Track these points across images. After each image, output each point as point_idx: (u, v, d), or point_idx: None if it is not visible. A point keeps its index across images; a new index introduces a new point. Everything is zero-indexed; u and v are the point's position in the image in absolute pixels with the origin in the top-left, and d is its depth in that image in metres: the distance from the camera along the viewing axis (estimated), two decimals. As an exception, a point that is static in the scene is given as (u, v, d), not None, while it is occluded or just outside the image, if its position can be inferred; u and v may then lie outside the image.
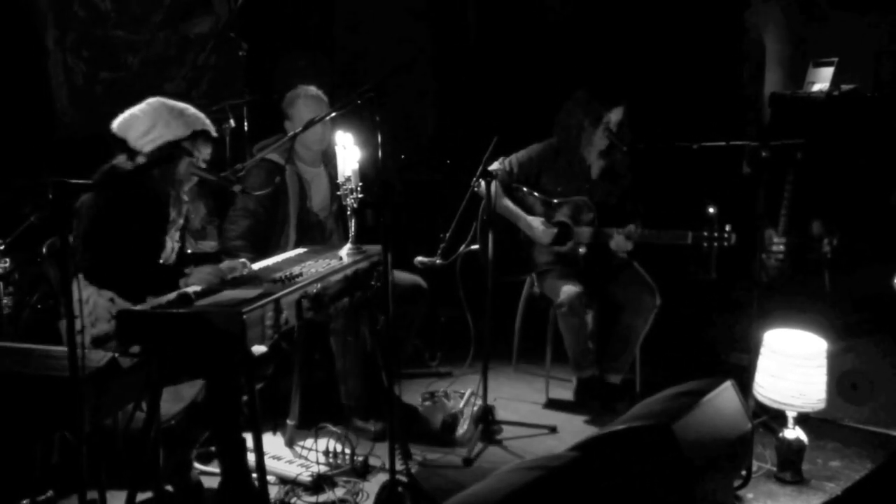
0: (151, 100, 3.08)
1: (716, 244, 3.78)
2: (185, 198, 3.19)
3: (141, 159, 3.01)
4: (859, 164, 4.84)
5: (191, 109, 3.11)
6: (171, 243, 3.18)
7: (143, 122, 3.01)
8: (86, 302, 2.89)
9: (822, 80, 5.18)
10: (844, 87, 5.08)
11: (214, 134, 3.17)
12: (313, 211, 3.90)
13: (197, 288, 2.82)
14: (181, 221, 3.21)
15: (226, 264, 3.19)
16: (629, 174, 4.27)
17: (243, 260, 3.23)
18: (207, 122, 3.13)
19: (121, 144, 3.04)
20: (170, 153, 2.96)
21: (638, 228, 4.05)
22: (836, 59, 5.14)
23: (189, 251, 3.43)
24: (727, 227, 3.77)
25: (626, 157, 4.19)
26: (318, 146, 3.86)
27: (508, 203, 4.19)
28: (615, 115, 4.06)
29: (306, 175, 3.89)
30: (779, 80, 5.83)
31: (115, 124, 3.05)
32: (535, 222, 4.13)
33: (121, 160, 3.03)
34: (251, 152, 3.79)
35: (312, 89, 3.90)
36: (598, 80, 4.25)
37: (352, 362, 3.77)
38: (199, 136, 3.09)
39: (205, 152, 3.13)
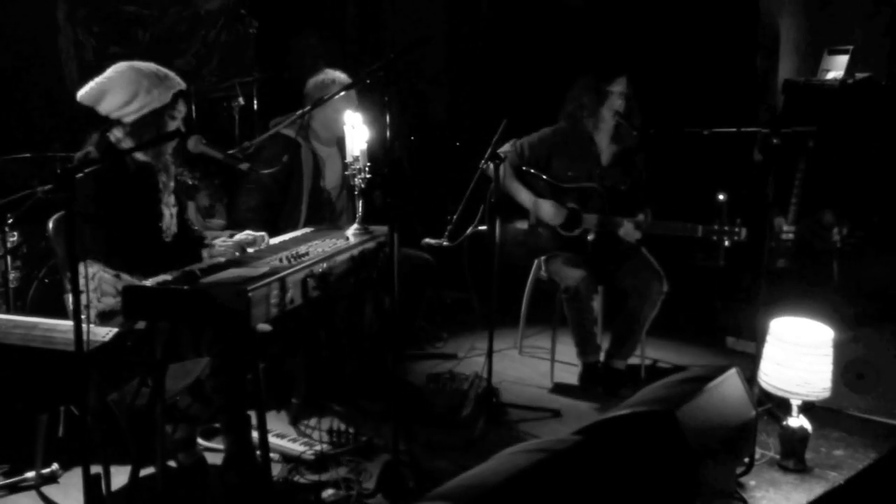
0: (122, 66, 2.98)
1: (725, 238, 3.76)
2: (171, 159, 3.13)
3: (118, 133, 2.97)
4: (872, 154, 4.80)
5: (163, 70, 3.03)
6: (169, 210, 3.13)
7: (120, 92, 2.93)
8: (91, 277, 2.90)
9: (836, 67, 5.13)
10: (859, 75, 5.03)
11: (184, 86, 3.09)
12: (326, 189, 3.91)
13: (204, 265, 2.83)
14: (172, 184, 3.15)
15: (245, 235, 3.20)
16: (642, 155, 4.24)
17: (263, 233, 3.25)
18: (179, 78, 3.07)
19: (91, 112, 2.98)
20: (174, 133, 2.92)
21: (648, 218, 4.03)
22: (851, 47, 5.09)
23: (195, 227, 3.43)
24: (738, 222, 3.75)
25: (636, 138, 4.17)
26: (343, 133, 3.81)
27: (518, 185, 4.18)
28: (618, 87, 4.04)
29: (321, 153, 3.90)
30: (793, 67, 5.78)
31: (81, 94, 2.97)
32: (546, 204, 4.12)
33: (92, 141, 2.98)
34: (262, 129, 3.79)
35: (345, 76, 3.88)
36: (605, 64, 4.22)
37: (357, 342, 3.78)
38: (179, 97, 3.03)
39: (182, 111, 3.08)
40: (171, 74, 3.04)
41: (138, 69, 2.97)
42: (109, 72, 2.98)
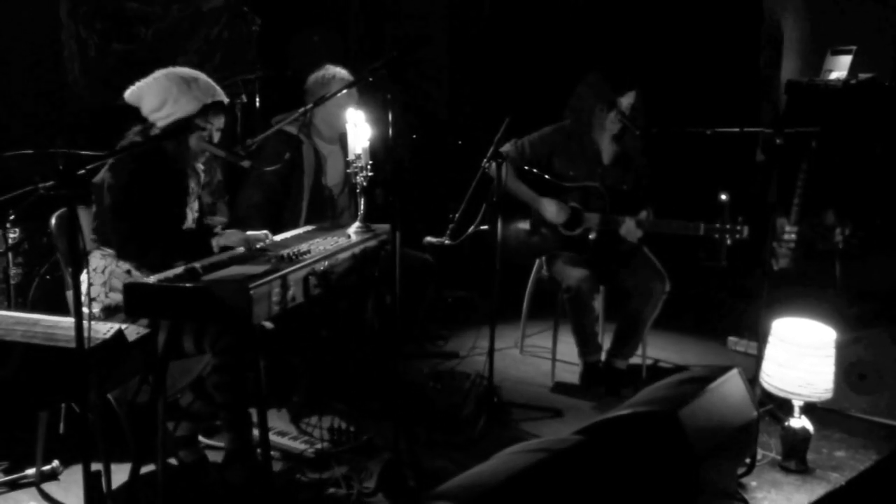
0: (161, 72, 3.06)
1: (727, 236, 3.76)
2: (202, 167, 3.20)
3: (156, 132, 3.03)
4: (875, 154, 4.80)
5: (202, 79, 3.08)
6: (192, 214, 3.20)
7: (153, 97, 3.01)
8: (102, 271, 2.91)
9: (839, 68, 5.13)
10: (862, 75, 5.02)
11: (226, 100, 3.14)
12: (327, 186, 3.91)
13: (206, 262, 2.83)
14: (199, 191, 3.23)
15: (250, 234, 3.21)
16: (644, 160, 4.23)
17: (266, 231, 3.25)
18: (218, 90, 3.10)
19: (136, 113, 3.06)
20: (178, 129, 2.96)
21: (649, 216, 4.03)
22: (854, 48, 5.09)
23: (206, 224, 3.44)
24: (739, 220, 3.74)
25: (639, 141, 4.16)
26: (344, 129, 3.80)
27: (520, 183, 4.17)
28: (627, 100, 4.03)
29: (323, 150, 3.90)
30: (796, 68, 5.79)
31: (128, 93, 3.06)
32: (548, 202, 4.10)
33: (133, 133, 3.04)
34: (266, 126, 3.79)
35: (345, 72, 3.88)
36: (612, 63, 4.20)
37: (358, 341, 3.78)
38: (210, 108, 3.06)
39: (217, 123, 3.12)
40: (208, 85, 3.07)
41: (173, 76, 3.03)
42: (152, 76, 3.05)
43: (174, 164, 3.07)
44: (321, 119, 3.85)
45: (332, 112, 3.76)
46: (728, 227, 3.75)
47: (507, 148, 4.11)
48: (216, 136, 3.13)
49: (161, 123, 3.02)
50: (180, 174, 3.12)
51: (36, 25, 4.80)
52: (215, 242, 3.05)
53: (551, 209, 4.11)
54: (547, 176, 4.15)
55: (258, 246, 3.12)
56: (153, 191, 2.96)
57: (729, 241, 3.76)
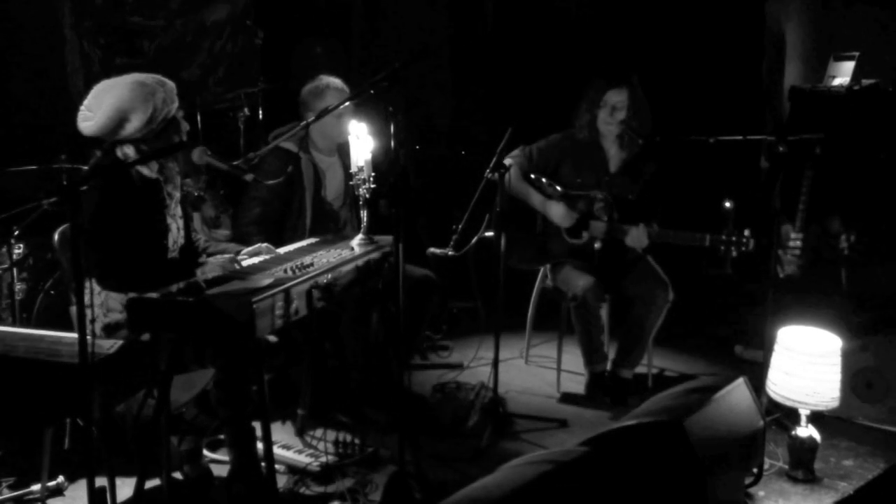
0: (124, 84, 2.87)
1: (733, 248, 3.73)
2: (177, 168, 3.06)
3: (128, 149, 2.90)
4: (879, 160, 4.78)
5: (150, 75, 2.94)
6: (176, 223, 3.10)
7: (141, 112, 2.83)
8: (98, 292, 2.89)
9: (842, 74, 5.11)
10: (865, 81, 5.01)
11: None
12: (328, 200, 3.90)
13: (208, 276, 2.82)
14: (178, 194, 3.11)
15: (249, 250, 3.20)
16: (653, 165, 4.19)
17: (267, 244, 3.24)
18: (168, 80, 2.98)
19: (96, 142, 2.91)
20: (179, 144, 2.90)
21: (654, 227, 4.01)
22: (857, 54, 5.07)
23: (203, 239, 3.42)
24: (746, 233, 3.72)
25: (638, 145, 4.13)
26: (340, 139, 3.79)
27: (526, 185, 4.13)
28: (613, 97, 4.01)
29: (322, 164, 3.88)
30: (799, 74, 5.77)
31: (96, 128, 2.87)
32: (556, 205, 4.07)
33: (100, 157, 2.95)
34: (266, 140, 3.79)
35: (339, 81, 3.86)
36: (613, 68, 4.19)
37: (362, 353, 3.77)
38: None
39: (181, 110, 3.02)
40: (156, 77, 2.95)
41: (141, 84, 2.88)
42: (119, 94, 2.86)
43: (142, 175, 2.95)
44: (317, 131, 3.81)
45: (329, 123, 3.71)
46: (734, 239, 3.73)
47: (515, 153, 4.10)
48: (184, 136, 3.02)
49: (153, 131, 2.88)
50: (154, 187, 2.98)
51: (39, 40, 4.83)
52: (199, 272, 2.89)
53: (559, 212, 4.07)
54: (554, 184, 4.12)
55: (259, 259, 3.11)
56: (127, 212, 2.85)
57: (734, 253, 3.74)
